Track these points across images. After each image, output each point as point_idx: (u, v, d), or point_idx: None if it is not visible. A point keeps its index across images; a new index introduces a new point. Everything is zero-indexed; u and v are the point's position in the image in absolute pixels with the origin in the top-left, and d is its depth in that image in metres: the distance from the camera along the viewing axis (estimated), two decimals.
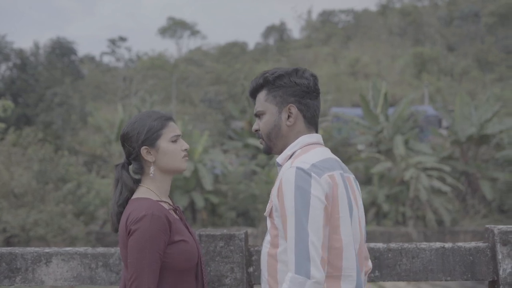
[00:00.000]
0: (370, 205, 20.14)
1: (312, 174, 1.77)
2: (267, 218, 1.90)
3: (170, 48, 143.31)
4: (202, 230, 2.48)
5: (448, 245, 2.45)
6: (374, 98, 22.63)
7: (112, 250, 2.48)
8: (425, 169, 20.26)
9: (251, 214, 20.52)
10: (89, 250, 2.51)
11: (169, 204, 2.06)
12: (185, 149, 2.08)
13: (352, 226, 1.84)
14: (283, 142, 1.97)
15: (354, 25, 64.69)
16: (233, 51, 57.03)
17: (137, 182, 2.07)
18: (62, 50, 37.28)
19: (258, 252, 2.46)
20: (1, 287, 2.50)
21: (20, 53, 32.98)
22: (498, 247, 2.39)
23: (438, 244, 2.46)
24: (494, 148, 22.28)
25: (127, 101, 33.01)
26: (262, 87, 1.99)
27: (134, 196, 2.02)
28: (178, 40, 66.47)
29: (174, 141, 2.05)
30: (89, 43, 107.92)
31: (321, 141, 1.99)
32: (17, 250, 2.52)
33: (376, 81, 23.90)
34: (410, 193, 19.36)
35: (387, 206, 19.80)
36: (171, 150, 2.03)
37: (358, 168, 21.17)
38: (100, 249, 2.50)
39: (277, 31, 66.73)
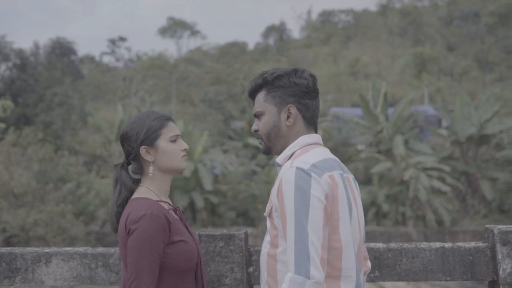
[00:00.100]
0: (370, 205, 20.14)
1: (312, 174, 1.76)
2: (267, 218, 1.90)
3: (170, 48, 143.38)
4: (202, 230, 2.48)
5: (448, 245, 2.45)
6: (374, 98, 22.63)
7: (112, 250, 2.48)
8: (425, 169, 20.25)
9: (251, 214, 20.52)
10: (89, 250, 2.50)
11: (169, 204, 2.05)
12: (184, 149, 2.07)
13: (352, 227, 1.84)
14: (283, 143, 1.96)
15: (354, 25, 64.67)
16: (233, 51, 57.01)
17: (137, 182, 2.06)
18: (62, 50, 37.29)
19: (258, 252, 2.45)
20: (1, 287, 2.50)
21: (20, 53, 33.00)
22: (498, 247, 2.39)
23: (438, 244, 2.45)
24: (494, 148, 22.27)
25: (127, 101, 32.97)
26: (261, 87, 1.99)
27: (134, 196, 2.01)
28: (178, 40, 66.56)
29: (173, 141, 2.05)
30: (89, 43, 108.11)
31: (321, 141, 1.99)
32: (17, 250, 2.52)
33: (376, 81, 23.90)
34: (410, 193, 19.35)
35: (387, 206, 19.79)
36: (170, 150, 2.03)
37: (358, 168, 21.17)
38: (100, 249, 2.50)
39: (277, 31, 66.70)
